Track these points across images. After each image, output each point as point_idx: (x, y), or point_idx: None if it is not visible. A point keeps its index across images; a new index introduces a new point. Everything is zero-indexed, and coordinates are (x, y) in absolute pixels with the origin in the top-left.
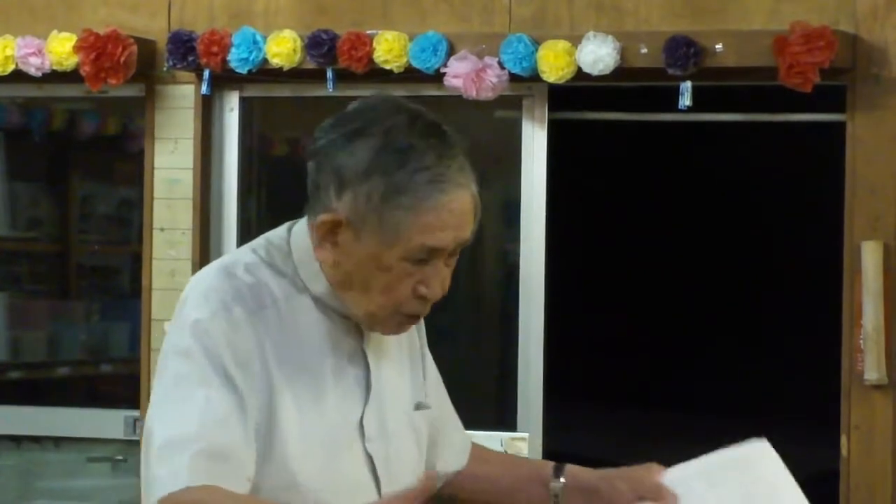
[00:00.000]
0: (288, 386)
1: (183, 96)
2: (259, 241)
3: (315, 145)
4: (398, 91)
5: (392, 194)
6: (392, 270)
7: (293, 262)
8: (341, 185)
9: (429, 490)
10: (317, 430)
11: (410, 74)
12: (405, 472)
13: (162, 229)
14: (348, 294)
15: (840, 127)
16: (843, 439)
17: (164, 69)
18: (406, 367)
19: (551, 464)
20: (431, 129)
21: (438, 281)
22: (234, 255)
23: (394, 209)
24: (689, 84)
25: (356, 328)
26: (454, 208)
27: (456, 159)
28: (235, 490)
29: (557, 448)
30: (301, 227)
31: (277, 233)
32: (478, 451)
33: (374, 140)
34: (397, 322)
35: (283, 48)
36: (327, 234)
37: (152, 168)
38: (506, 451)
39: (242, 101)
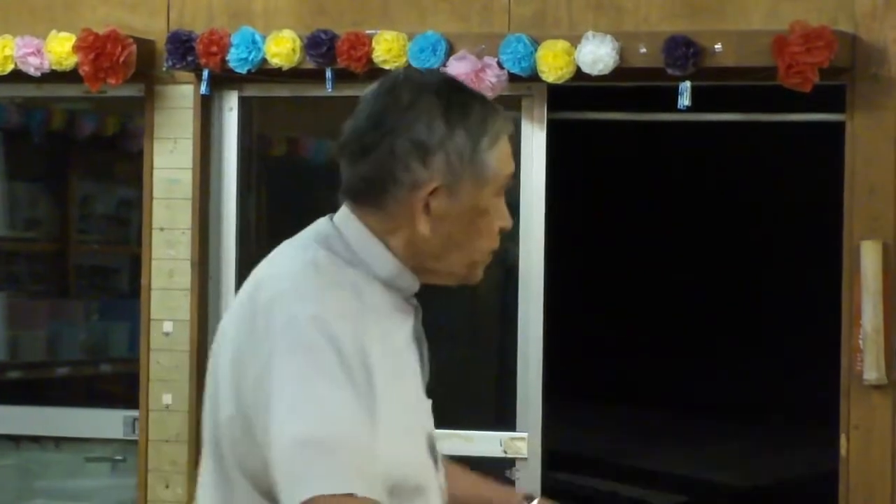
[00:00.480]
0: (381, 371)
1: (182, 96)
2: (312, 236)
3: (365, 140)
4: None
5: (476, 139)
6: (488, 211)
7: (354, 251)
8: (427, 154)
9: None
10: (410, 421)
11: None
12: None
13: (161, 229)
14: (446, 257)
15: (839, 127)
16: (843, 439)
17: (164, 69)
18: None
19: (521, 493)
20: (456, 81)
21: (507, 210)
22: (304, 250)
23: (481, 153)
24: (688, 84)
25: (412, 309)
26: (509, 136)
27: (484, 96)
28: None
29: (557, 447)
30: (347, 217)
31: (322, 227)
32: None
33: (434, 103)
34: (486, 262)
35: (282, 48)
36: (425, 206)
37: (151, 168)
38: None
39: (241, 100)
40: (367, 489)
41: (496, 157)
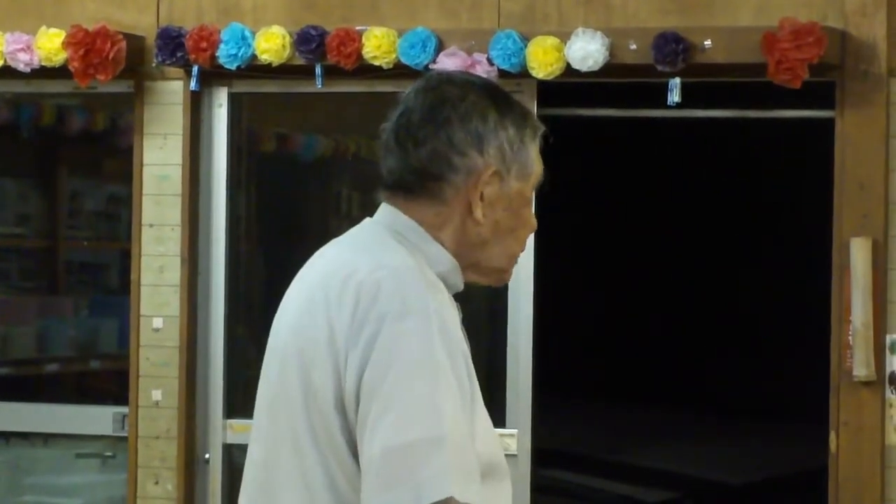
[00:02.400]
0: (469, 367)
1: (172, 92)
2: (379, 230)
3: (419, 133)
4: (386, 87)
5: (521, 131)
6: (530, 202)
7: (414, 244)
8: (482, 142)
9: None
10: (485, 413)
11: (399, 71)
12: None
13: (151, 225)
14: (493, 246)
15: (829, 123)
16: (832, 435)
17: (153, 65)
18: None
19: None
20: (485, 78)
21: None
22: (381, 241)
23: (527, 143)
24: (677, 80)
25: (457, 305)
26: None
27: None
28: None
29: (546, 445)
30: (394, 214)
31: (380, 223)
32: None
33: (483, 96)
34: (517, 259)
35: (271, 44)
36: (479, 192)
37: (141, 164)
38: None
39: (231, 97)
40: (464, 488)
41: (535, 150)
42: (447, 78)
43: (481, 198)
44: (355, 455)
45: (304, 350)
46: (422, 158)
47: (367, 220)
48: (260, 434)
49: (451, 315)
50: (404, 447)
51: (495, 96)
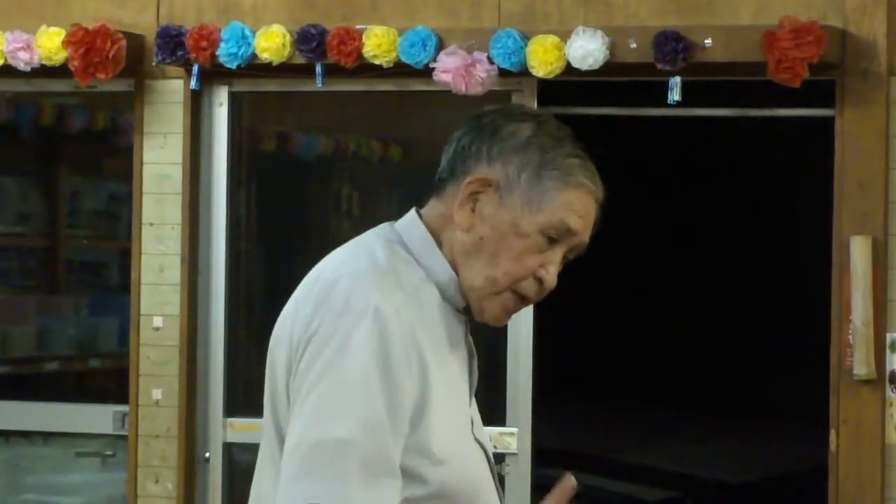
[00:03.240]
0: (434, 372)
1: (172, 91)
2: (375, 237)
3: (458, 133)
4: (387, 86)
5: (546, 165)
6: (528, 238)
7: (413, 255)
8: (496, 156)
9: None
10: (456, 419)
11: (399, 70)
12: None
13: (151, 224)
14: (471, 260)
15: (829, 122)
16: (832, 434)
17: (153, 64)
18: None
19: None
20: (574, 138)
21: (556, 269)
22: (367, 249)
23: (545, 179)
24: (678, 79)
25: (463, 320)
26: (590, 201)
27: (593, 165)
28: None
29: (547, 443)
30: (410, 221)
31: (384, 231)
32: None
33: (530, 125)
34: (507, 301)
35: (272, 43)
36: (471, 196)
37: (141, 163)
38: None
39: (231, 95)
40: (363, 490)
41: (561, 195)
42: (519, 105)
43: (474, 207)
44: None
45: (275, 346)
46: (449, 156)
47: (384, 224)
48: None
49: (413, 320)
50: (312, 443)
51: (546, 128)
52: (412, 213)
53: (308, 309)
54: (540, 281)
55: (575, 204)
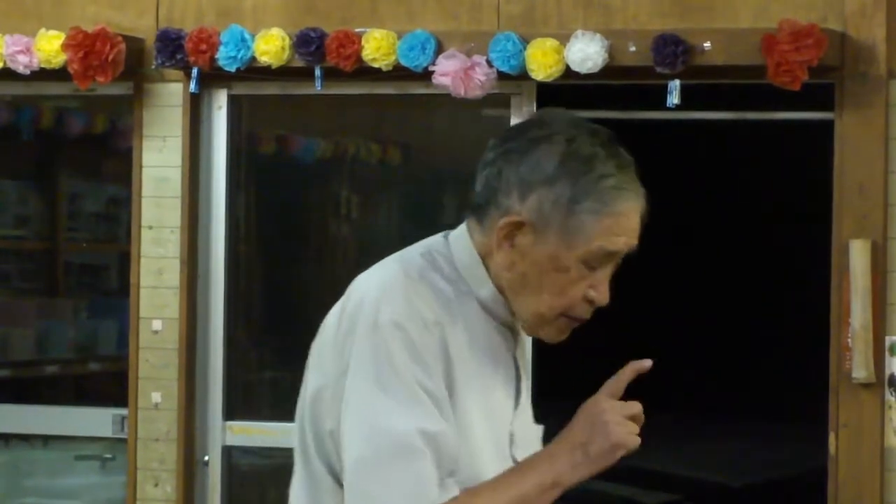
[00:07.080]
0: (466, 388)
1: (171, 94)
2: (419, 249)
3: (491, 155)
4: (386, 89)
5: (578, 198)
6: (569, 272)
7: (457, 268)
8: (527, 190)
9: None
10: (489, 433)
11: (399, 73)
12: None
13: (150, 227)
14: (519, 296)
15: (828, 125)
16: (832, 437)
17: (153, 67)
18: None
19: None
20: (610, 141)
21: (606, 286)
22: (403, 259)
23: (579, 213)
24: (677, 82)
25: (510, 334)
26: (631, 215)
27: (632, 169)
28: None
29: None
30: (460, 234)
31: (436, 241)
32: None
33: (559, 147)
34: (561, 325)
35: (271, 46)
36: (507, 236)
37: (140, 166)
38: None
39: (231, 99)
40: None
41: (598, 226)
42: (553, 117)
43: (512, 245)
44: (321, 455)
45: (312, 358)
46: (482, 183)
47: (440, 233)
48: None
49: (436, 329)
50: (357, 461)
51: (575, 152)
52: (463, 228)
53: (344, 326)
54: (591, 301)
55: (613, 227)
